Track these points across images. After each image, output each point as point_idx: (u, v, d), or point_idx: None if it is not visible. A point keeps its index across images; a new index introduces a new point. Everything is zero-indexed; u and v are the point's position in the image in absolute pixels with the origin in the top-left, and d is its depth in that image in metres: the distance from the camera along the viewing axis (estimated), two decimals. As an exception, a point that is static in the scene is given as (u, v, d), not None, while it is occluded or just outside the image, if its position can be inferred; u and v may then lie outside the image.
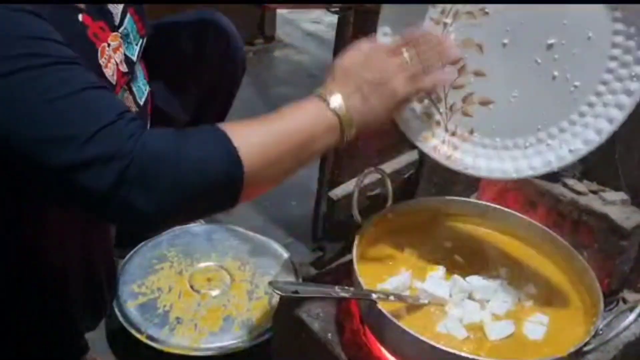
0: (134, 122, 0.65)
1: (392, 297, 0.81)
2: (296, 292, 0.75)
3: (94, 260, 0.89)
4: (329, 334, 0.90)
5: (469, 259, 0.94)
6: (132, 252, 1.17)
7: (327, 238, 1.30)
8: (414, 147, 1.33)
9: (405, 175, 1.33)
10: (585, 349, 0.79)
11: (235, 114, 1.26)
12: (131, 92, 0.95)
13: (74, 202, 0.66)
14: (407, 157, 1.33)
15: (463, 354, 0.74)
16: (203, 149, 0.64)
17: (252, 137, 0.67)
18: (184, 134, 0.66)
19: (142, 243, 1.21)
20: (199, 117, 1.20)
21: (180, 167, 0.63)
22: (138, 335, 1.03)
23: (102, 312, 0.99)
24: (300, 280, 1.17)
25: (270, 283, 0.74)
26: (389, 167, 1.30)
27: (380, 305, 0.78)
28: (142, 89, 0.99)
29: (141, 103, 0.98)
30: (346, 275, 0.99)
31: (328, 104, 0.72)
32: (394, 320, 0.77)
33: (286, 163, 0.69)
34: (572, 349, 0.76)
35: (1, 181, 0.73)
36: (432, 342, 0.74)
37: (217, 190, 0.65)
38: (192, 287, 1.13)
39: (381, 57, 0.76)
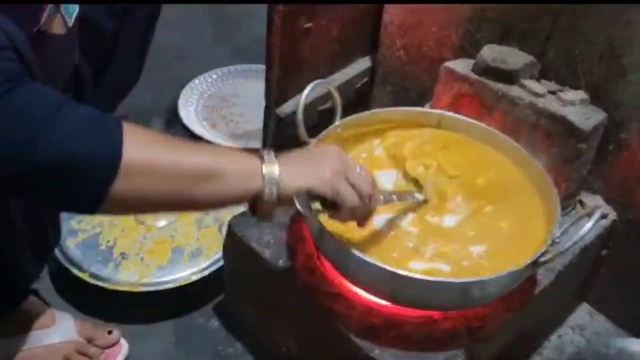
0: (12, 62, 0.56)
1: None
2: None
3: None
4: (281, 261, 0.86)
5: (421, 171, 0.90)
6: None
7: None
8: (365, 54, 1.27)
9: (358, 85, 1.26)
10: (543, 258, 0.77)
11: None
12: (59, 13, 0.84)
13: None
14: (359, 66, 1.26)
15: (418, 276, 0.71)
16: (85, 125, 0.56)
17: (152, 142, 0.60)
18: (73, 103, 0.58)
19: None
20: (124, 21, 1.09)
21: (47, 133, 0.54)
22: (80, 274, 0.98)
23: (46, 253, 0.93)
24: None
25: None
26: (340, 77, 1.23)
27: (330, 229, 0.74)
28: (70, 10, 0.88)
29: (70, 25, 0.87)
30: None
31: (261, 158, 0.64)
32: (345, 245, 0.73)
33: (171, 182, 0.60)
34: (528, 261, 0.74)
35: None
36: (388, 266, 0.71)
37: (79, 174, 0.56)
38: (136, 219, 1.07)
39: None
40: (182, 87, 1.47)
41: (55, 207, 0.65)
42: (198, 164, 0.61)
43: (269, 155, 0.65)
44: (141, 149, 0.58)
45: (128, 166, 0.56)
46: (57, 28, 0.82)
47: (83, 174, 0.56)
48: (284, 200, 0.65)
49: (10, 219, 0.79)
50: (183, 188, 0.60)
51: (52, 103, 0.56)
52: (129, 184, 0.57)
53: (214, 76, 1.49)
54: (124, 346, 0.95)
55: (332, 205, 0.68)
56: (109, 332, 0.95)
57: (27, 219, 0.82)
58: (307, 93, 0.86)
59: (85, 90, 0.98)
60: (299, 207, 0.68)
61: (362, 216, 0.72)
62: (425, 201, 0.84)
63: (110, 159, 0.56)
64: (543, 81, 0.95)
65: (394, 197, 0.80)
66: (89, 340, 0.94)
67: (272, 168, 0.63)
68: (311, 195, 0.67)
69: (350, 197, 0.68)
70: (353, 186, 0.68)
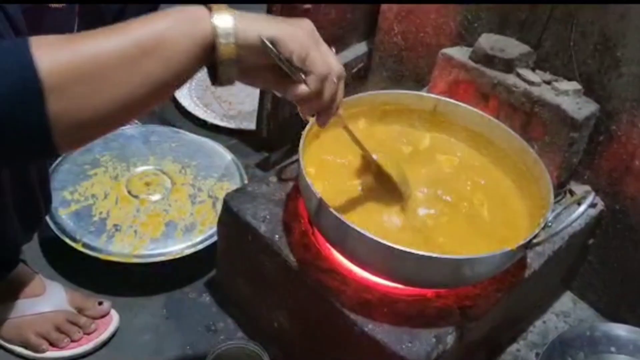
0: None
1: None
2: None
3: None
4: (276, 236, 0.87)
5: (416, 157, 0.91)
6: (60, 158, 1.08)
7: (273, 137, 1.24)
8: (362, 39, 1.28)
9: (354, 70, 1.26)
10: (535, 241, 0.78)
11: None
12: None
13: None
14: (356, 50, 1.27)
15: (414, 251, 0.72)
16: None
17: (65, 43, 0.50)
18: None
19: (72, 147, 1.12)
20: (128, 4, 1.07)
21: None
22: (73, 244, 0.97)
23: (36, 222, 0.92)
24: (246, 182, 1.12)
25: None
26: (336, 60, 1.23)
27: (328, 205, 0.75)
28: None
29: None
30: (293, 175, 0.95)
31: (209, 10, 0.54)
32: (343, 218, 0.73)
33: (113, 78, 0.50)
34: (521, 242, 0.76)
35: None
36: (383, 241, 0.72)
37: (10, 115, 0.48)
38: (129, 192, 1.06)
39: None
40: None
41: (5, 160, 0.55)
42: (126, 42, 0.51)
43: (217, 6, 0.54)
44: (54, 55, 0.49)
45: (51, 79, 0.48)
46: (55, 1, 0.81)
47: (13, 112, 0.48)
48: (244, 55, 0.54)
49: None
50: (125, 77, 0.50)
51: None
52: (62, 98, 0.48)
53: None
54: (115, 317, 0.95)
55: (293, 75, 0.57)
56: (100, 303, 0.94)
57: (16, 187, 0.81)
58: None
59: None
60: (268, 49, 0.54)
61: (326, 102, 0.61)
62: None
63: (28, 82, 0.48)
64: (538, 71, 0.97)
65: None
66: (80, 311, 0.93)
67: (224, 16, 0.53)
68: (275, 53, 0.55)
69: (320, 63, 0.57)
70: (324, 55, 0.58)
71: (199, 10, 0.53)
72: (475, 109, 0.94)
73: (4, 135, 0.49)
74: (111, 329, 0.94)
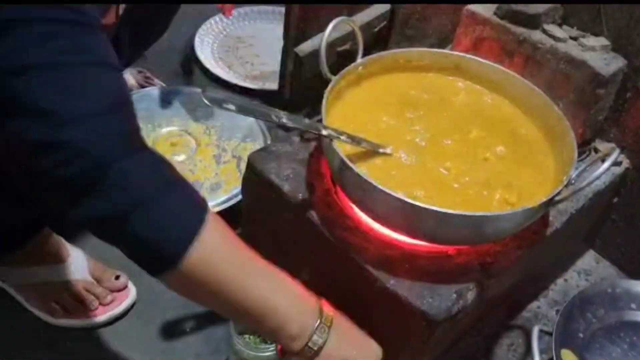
0: (125, 123, 0.59)
1: (343, 137, 0.78)
2: (226, 102, 0.69)
3: None
4: (300, 195, 0.88)
5: (441, 113, 0.91)
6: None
7: (295, 98, 1.25)
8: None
9: (376, 29, 1.25)
10: (557, 198, 0.78)
11: None
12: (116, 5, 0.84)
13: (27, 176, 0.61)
14: (378, 9, 1.25)
15: (435, 208, 0.73)
16: (176, 212, 0.61)
17: (228, 252, 0.65)
18: (174, 184, 0.62)
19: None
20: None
21: (143, 212, 0.58)
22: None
23: None
24: (270, 142, 1.13)
25: (202, 92, 0.69)
26: (359, 19, 1.22)
27: (350, 163, 0.76)
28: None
29: (120, 13, 0.87)
30: (316, 136, 0.95)
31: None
32: (364, 176, 0.74)
33: (228, 300, 0.65)
34: (543, 199, 0.76)
35: None
36: (405, 198, 0.73)
37: (152, 250, 0.61)
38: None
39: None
40: (198, 27, 1.46)
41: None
42: (253, 304, 0.65)
43: (327, 315, 0.70)
44: (214, 249, 0.63)
45: (194, 256, 0.60)
46: (110, 19, 0.83)
47: (151, 254, 0.61)
48: None
49: None
50: (234, 306, 0.65)
51: (159, 179, 0.61)
52: (186, 277, 0.61)
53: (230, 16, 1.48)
54: (132, 291, 0.96)
55: None
56: (117, 277, 0.95)
57: None
58: (332, 28, 0.86)
59: (122, 53, 0.98)
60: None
61: None
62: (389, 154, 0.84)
63: (180, 243, 0.60)
64: (565, 27, 0.95)
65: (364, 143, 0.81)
66: (98, 281, 0.94)
67: (322, 334, 0.69)
68: None
69: None
70: None
71: (311, 317, 0.70)
72: (499, 66, 0.93)
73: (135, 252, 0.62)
74: (128, 301, 0.95)
